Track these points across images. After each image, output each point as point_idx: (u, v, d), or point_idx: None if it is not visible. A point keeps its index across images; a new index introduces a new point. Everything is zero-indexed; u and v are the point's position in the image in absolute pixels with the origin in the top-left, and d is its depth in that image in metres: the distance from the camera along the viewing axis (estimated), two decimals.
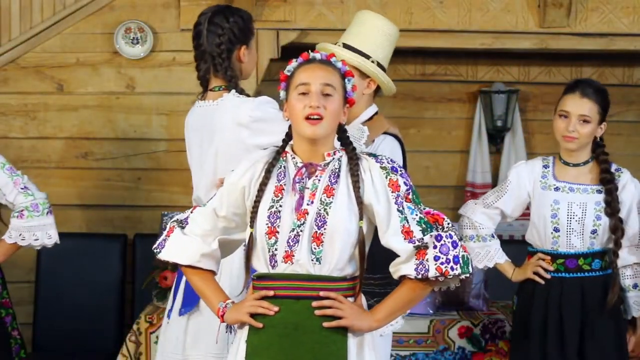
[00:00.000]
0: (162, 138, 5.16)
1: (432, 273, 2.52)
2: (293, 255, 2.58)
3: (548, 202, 3.54)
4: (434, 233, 2.55)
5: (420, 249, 2.54)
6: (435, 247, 2.53)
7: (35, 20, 5.09)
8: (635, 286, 3.61)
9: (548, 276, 3.54)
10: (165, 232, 2.81)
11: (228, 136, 3.25)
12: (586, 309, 3.51)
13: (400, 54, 5.54)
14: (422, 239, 2.54)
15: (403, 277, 2.59)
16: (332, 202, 2.59)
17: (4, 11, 5.07)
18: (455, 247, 2.54)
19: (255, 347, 2.61)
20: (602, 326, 3.51)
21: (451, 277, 2.53)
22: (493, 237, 3.69)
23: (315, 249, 2.58)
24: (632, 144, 5.69)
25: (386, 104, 5.69)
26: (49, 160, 5.15)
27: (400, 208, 2.58)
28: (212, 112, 3.31)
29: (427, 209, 2.61)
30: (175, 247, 2.76)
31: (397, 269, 2.59)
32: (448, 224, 2.58)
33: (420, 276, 2.53)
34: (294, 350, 2.57)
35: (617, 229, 3.51)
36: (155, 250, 2.80)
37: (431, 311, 4.18)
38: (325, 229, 2.58)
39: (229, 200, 2.71)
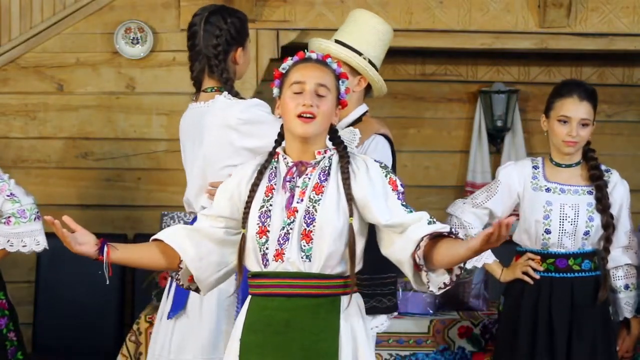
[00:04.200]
0: (162, 138, 5.16)
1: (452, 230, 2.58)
2: (284, 254, 2.58)
3: (540, 203, 3.53)
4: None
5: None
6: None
7: (35, 20, 5.10)
8: (626, 287, 3.61)
9: (537, 276, 3.52)
10: None
11: (216, 138, 3.20)
12: (575, 309, 3.50)
13: (400, 54, 5.57)
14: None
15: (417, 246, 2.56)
16: (320, 199, 2.61)
17: (4, 11, 5.07)
18: None
19: (249, 345, 2.62)
20: (591, 327, 3.50)
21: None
22: None
23: (304, 246, 2.59)
24: (632, 144, 5.68)
25: (386, 104, 5.70)
26: (49, 160, 5.15)
27: (404, 203, 2.62)
28: (203, 114, 3.26)
29: None
30: (167, 230, 2.71)
31: (419, 232, 2.54)
32: None
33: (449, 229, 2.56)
34: (286, 347, 2.59)
35: (608, 225, 3.51)
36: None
37: (431, 311, 4.18)
38: (314, 226, 2.58)
39: (218, 202, 2.71)
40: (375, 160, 2.70)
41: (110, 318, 4.92)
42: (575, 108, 3.49)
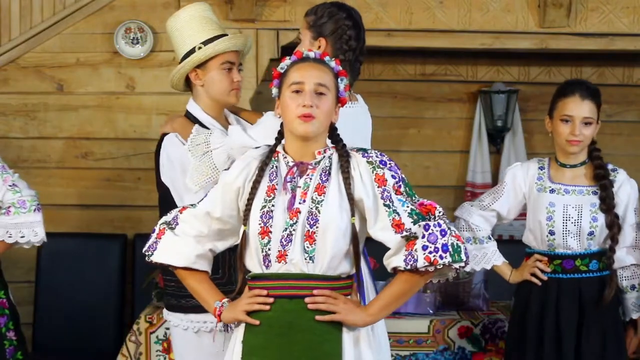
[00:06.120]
0: None
1: (420, 263, 2.52)
2: (287, 255, 2.58)
3: (543, 204, 3.52)
4: (423, 223, 2.55)
5: (410, 240, 2.55)
6: (423, 236, 2.53)
7: (35, 20, 5.10)
8: (633, 287, 3.59)
9: (545, 277, 3.53)
10: (154, 235, 2.80)
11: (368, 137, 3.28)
12: (583, 310, 3.50)
13: (400, 54, 5.58)
14: (411, 229, 2.55)
15: (395, 270, 2.61)
16: (323, 200, 2.60)
17: (4, 11, 5.07)
18: (444, 235, 2.53)
19: (251, 347, 2.62)
20: (600, 328, 3.49)
21: (441, 266, 2.53)
22: (490, 239, 3.68)
23: (308, 247, 2.58)
24: (632, 144, 5.69)
25: (386, 103, 5.70)
26: (49, 160, 5.15)
27: (388, 202, 2.59)
28: (359, 115, 3.26)
29: (421, 200, 2.62)
30: (168, 249, 2.75)
31: (389, 261, 2.61)
32: (440, 212, 2.59)
33: (409, 267, 2.53)
34: (290, 349, 2.58)
35: (613, 225, 3.49)
36: (146, 254, 2.80)
37: (431, 311, 4.18)
38: (317, 227, 2.58)
39: (224, 201, 2.69)
40: (363, 155, 2.65)
41: (110, 318, 4.91)
42: (576, 107, 3.49)
